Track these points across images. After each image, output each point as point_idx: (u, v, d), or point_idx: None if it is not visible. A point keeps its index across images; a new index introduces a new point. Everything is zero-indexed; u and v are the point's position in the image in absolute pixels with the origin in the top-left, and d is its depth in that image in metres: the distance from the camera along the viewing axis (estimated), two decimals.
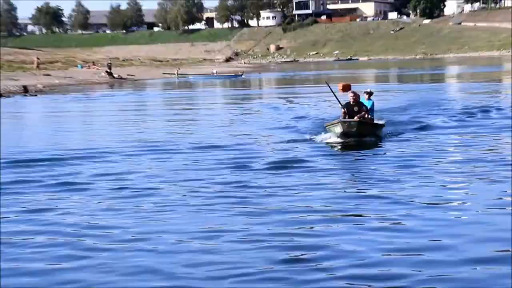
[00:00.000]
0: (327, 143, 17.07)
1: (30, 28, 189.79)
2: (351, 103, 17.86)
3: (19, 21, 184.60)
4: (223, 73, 73.80)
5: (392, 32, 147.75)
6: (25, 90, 43.81)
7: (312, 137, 18.09)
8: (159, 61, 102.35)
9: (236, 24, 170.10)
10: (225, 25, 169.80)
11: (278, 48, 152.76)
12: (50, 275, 7.78)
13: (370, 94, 19.10)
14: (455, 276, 7.34)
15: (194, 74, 71.86)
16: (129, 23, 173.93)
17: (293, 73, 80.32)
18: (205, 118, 27.00)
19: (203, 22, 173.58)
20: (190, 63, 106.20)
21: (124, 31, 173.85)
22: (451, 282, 7.18)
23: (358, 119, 17.01)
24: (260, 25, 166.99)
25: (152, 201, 11.13)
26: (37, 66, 61.42)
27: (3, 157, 16.26)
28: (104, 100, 40.12)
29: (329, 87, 18.51)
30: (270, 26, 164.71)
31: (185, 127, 23.32)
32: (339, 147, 16.63)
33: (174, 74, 70.49)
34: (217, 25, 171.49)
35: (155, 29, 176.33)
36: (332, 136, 17.21)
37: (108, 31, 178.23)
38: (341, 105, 17.69)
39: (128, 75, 67.32)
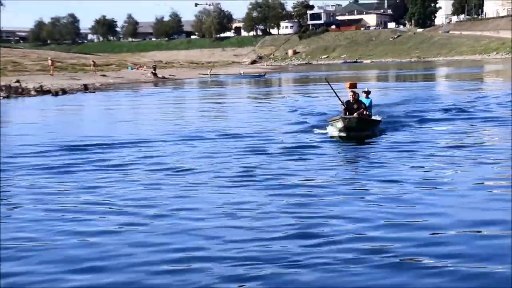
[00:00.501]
0: (330, 136, 16.28)
1: (89, 36, 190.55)
2: (351, 101, 16.97)
3: (81, 31, 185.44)
4: (248, 73, 73.52)
5: (391, 39, 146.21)
6: (85, 88, 43.96)
7: (316, 130, 17.38)
8: (196, 63, 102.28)
9: (260, 33, 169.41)
10: (251, 33, 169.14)
11: (295, 53, 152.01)
12: (108, 235, 7.90)
13: (368, 93, 18.03)
14: (451, 239, 7.32)
15: (225, 74, 71.67)
16: (171, 31, 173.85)
17: (307, 73, 79.80)
18: (231, 111, 26.92)
19: (232, 30, 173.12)
20: (221, 65, 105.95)
21: (166, 38, 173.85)
22: (448, 243, 7.15)
23: (357, 116, 16.21)
24: (280, 33, 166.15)
25: (187, 180, 11.14)
26: (94, 68, 61.39)
27: (64, 141, 16.44)
28: (149, 96, 40.22)
29: (330, 85, 17.47)
30: (288, 34, 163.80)
31: (214, 118, 23.28)
32: (341, 139, 15.90)
33: (207, 74, 70.37)
34: (244, 33, 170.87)
35: (192, 37, 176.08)
36: (334, 130, 16.37)
37: (153, 39, 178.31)
38: (342, 102, 16.85)
39: (169, 75, 67.34)
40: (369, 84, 41.11)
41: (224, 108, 28.89)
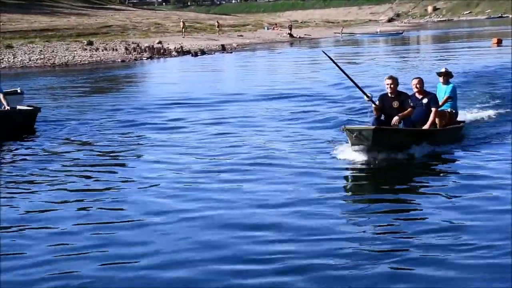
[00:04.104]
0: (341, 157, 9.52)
1: None
2: (389, 94, 9.98)
3: None
4: (385, 31, 71.34)
5: None
6: (223, 48, 44.82)
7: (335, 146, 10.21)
8: (331, 22, 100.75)
9: None
10: None
11: (435, 9, 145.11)
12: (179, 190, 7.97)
13: (447, 75, 11.10)
14: None
15: (360, 33, 70.01)
16: None
17: (447, 30, 75.85)
18: (358, 70, 26.00)
19: None
20: (357, 24, 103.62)
21: None
22: None
23: (374, 127, 9.16)
24: None
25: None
26: (219, 29, 60.61)
27: (194, 98, 16.85)
28: (284, 55, 40.18)
29: (337, 64, 10.14)
30: None
31: (336, 78, 22.72)
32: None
33: (340, 33, 68.97)
34: None
35: None
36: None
37: None
38: (368, 97, 9.84)
39: (305, 34, 66.88)
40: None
41: (353, 67, 27.93)
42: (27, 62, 33.88)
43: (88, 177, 8.93)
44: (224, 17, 78.79)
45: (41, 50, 37.82)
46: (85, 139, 11.99)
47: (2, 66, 32.39)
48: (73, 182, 8.69)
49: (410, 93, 10.19)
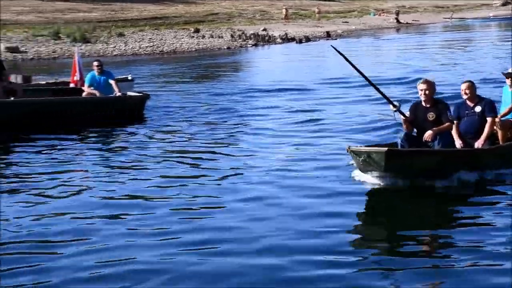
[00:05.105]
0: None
1: None
2: (423, 103, 8.15)
3: None
4: (499, 15, 68.05)
5: None
6: (328, 35, 44.55)
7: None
8: (440, 7, 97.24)
9: None
10: None
11: None
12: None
13: None
14: None
15: (471, 18, 67.23)
16: None
17: None
18: (455, 57, 24.98)
19: None
20: (469, 8, 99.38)
21: None
22: None
23: (387, 149, 7.13)
24: None
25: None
26: (319, 15, 59.77)
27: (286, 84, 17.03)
28: (390, 42, 39.39)
29: (349, 61, 8.12)
30: None
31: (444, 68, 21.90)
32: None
33: (449, 18, 66.49)
34: None
35: None
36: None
37: None
38: (395, 106, 8.06)
39: (412, 20, 65.00)
40: None
41: (457, 56, 26.83)
42: (137, 50, 35.24)
43: (186, 164, 9.35)
44: (329, 4, 78.12)
45: (150, 38, 39.19)
46: (191, 125, 12.42)
47: (114, 53, 33.89)
48: (172, 168, 9.14)
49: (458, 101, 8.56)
